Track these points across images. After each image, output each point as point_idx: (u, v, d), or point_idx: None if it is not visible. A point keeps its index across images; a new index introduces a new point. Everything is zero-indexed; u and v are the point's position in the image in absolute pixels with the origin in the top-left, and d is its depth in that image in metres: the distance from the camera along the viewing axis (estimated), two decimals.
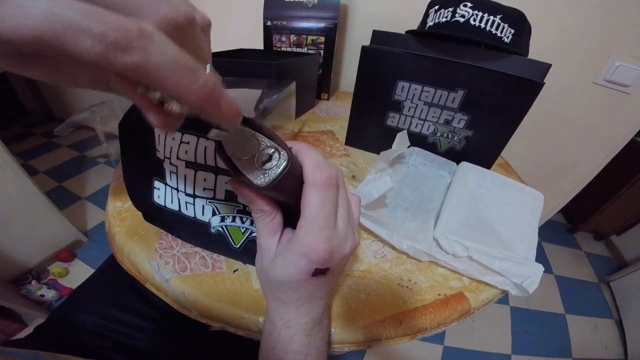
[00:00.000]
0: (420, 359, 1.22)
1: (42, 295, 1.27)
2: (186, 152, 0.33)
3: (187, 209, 0.37)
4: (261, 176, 0.20)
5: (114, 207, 0.47)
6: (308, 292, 0.26)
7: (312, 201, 0.22)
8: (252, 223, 0.36)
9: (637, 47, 0.77)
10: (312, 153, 0.23)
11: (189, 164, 0.34)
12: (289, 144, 0.24)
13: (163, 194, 0.38)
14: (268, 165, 0.21)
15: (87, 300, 0.51)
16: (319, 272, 0.24)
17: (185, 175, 0.35)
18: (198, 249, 0.40)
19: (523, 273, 0.36)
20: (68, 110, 2.48)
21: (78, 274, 1.43)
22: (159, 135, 0.35)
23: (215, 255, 0.40)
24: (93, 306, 0.50)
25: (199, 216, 0.37)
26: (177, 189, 0.36)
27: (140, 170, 0.39)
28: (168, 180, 0.37)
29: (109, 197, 0.49)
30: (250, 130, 0.21)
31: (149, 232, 0.43)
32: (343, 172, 0.55)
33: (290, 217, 0.26)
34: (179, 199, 0.37)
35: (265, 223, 0.25)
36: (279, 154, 0.21)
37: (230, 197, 0.35)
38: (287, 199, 0.23)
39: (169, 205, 0.38)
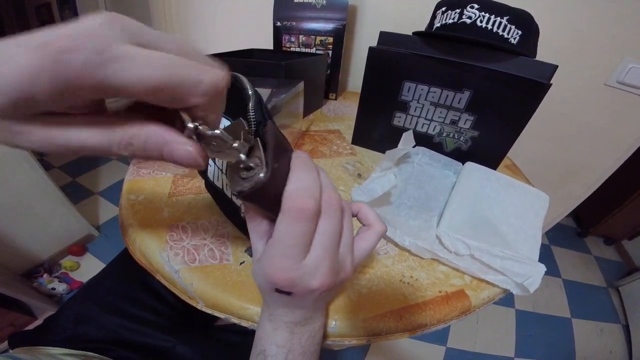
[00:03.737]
0: (422, 359, 1.22)
1: (53, 289, 1.29)
2: None
3: (226, 189, 0.38)
4: (235, 183, 0.19)
5: (128, 199, 0.48)
6: (281, 301, 0.25)
7: (278, 227, 0.21)
8: None
9: None
10: (300, 174, 0.21)
11: None
12: (296, 154, 0.23)
13: (212, 171, 0.40)
14: (245, 174, 0.19)
15: (98, 293, 0.52)
16: (282, 292, 0.23)
17: (223, 161, 0.36)
18: (207, 241, 0.42)
19: (524, 272, 0.37)
20: None
21: (89, 268, 1.46)
22: None
23: (223, 248, 0.41)
24: (103, 299, 0.51)
25: (234, 199, 0.38)
26: (221, 170, 0.38)
27: None
28: (215, 161, 0.39)
29: (123, 190, 0.50)
30: (249, 135, 0.20)
31: (161, 225, 0.44)
32: (349, 172, 0.56)
33: None
34: (222, 180, 0.39)
35: (253, 226, 0.25)
36: (260, 168, 0.19)
37: None
38: (270, 212, 0.22)
39: (216, 182, 0.40)
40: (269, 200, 0.20)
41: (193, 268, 0.38)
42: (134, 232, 0.44)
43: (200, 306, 0.38)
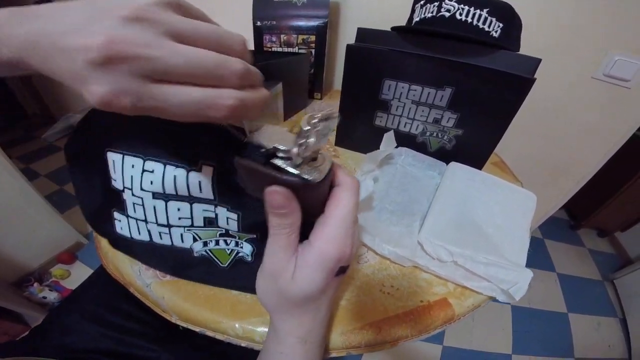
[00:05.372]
0: (418, 358, 1.21)
1: (44, 297, 1.28)
2: (151, 183, 0.30)
3: (161, 238, 0.34)
4: (314, 172, 0.20)
5: None
6: (326, 298, 0.25)
7: (349, 203, 0.22)
8: (237, 244, 0.34)
9: (636, 41, 0.74)
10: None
11: (157, 195, 0.31)
12: None
13: (126, 226, 0.35)
14: (315, 164, 0.21)
15: (83, 303, 0.52)
16: (341, 271, 0.24)
17: (154, 207, 0.31)
18: None
19: (510, 279, 0.35)
20: (67, 112, 2.49)
21: (79, 275, 1.45)
22: (114, 161, 0.31)
23: None
24: (88, 309, 0.50)
25: (178, 244, 0.34)
26: (145, 221, 0.33)
27: (96, 200, 0.36)
28: (131, 212, 0.33)
29: None
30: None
31: None
32: None
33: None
34: (149, 230, 0.34)
35: (291, 240, 0.23)
36: (322, 152, 0.22)
37: (209, 223, 0.32)
38: (314, 204, 0.23)
39: (136, 236, 0.35)
40: (326, 186, 0.23)
41: (164, 282, 0.38)
42: (107, 245, 0.42)
43: (174, 319, 0.37)
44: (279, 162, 0.20)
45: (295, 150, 0.19)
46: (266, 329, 0.33)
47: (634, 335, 1.27)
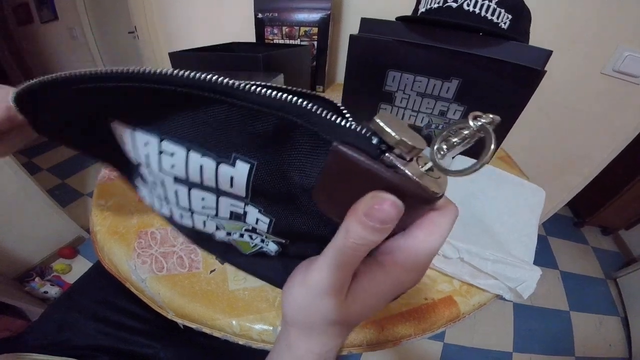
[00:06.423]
0: (418, 356, 1.21)
1: (45, 292, 1.28)
2: (173, 167, 0.24)
3: (182, 218, 0.30)
4: (434, 185, 0.15)
5: (97, 204, 0.46)
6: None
7: (445, 233, 0.17)
8: (262, 241, 0.30)
9: None
10: None
11: (179, 180, 0.26)
12: None
13: (149, 196, 0.31)
14: (433, 175, 0.15)
15: (80, 299, 0.51)
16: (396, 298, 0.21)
17: (176, 191, 0.27)
18: (176, 249, 0.39)
19: (518, 277, 0.34)
20: None
21: (81, 270, 1.44)
22: (122, 134, 0.24)
23: (192, 255, 0.39)
24: (85, 306, 0.50)
25: (199, 227, 0.31)
26: (166, 200, 0.28)
27: (116, 161, 0.30)
28: (150, 187, 0.29)
29: (93, 195, 0.49)
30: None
31: (129, 231, 0.42)
32: None
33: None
34: (170, 208, 0.30)
35: (361, 258, 0.19)
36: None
37: (236, 218, 0.28)
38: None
39: (157, 209, 0.31)
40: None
41: (160, 277, 0.37)
42: (102, 238, 0.42)
43: (171, 316, 0.36)
44: (398, 162, 0.14)
45: (434, 150, 0.14)
46: (264, 327, 0.32)
47: (635, 334, 1.25)
